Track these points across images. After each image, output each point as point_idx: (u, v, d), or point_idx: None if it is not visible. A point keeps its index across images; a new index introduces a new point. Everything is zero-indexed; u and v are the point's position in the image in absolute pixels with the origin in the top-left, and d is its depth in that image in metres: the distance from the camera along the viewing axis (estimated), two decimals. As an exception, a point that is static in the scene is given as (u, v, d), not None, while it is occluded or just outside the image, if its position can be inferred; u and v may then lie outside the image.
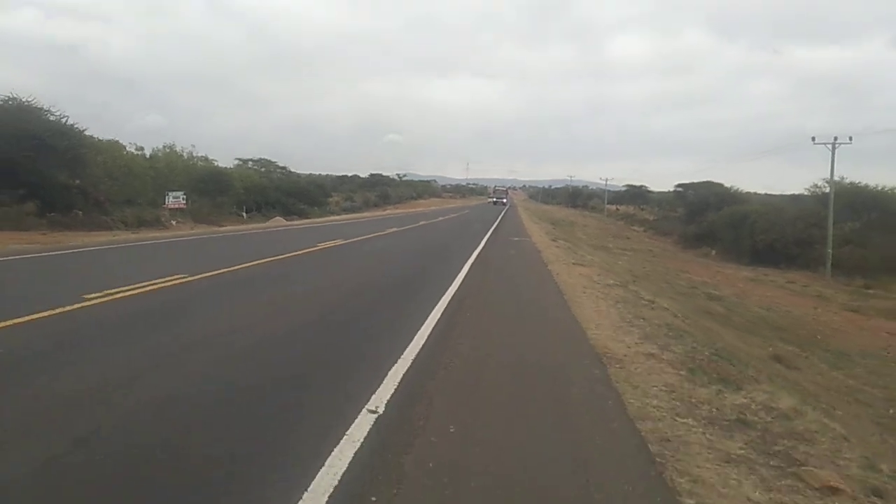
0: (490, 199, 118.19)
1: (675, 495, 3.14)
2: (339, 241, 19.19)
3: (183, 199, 34.04)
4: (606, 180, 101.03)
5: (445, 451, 3.61)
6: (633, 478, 3.38)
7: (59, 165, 27.30)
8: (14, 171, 25.13)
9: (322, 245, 17.73)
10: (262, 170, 61.29)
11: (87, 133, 29.87)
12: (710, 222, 51.29)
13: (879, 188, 44.17)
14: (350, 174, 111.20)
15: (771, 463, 3.47)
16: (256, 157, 65.65)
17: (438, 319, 7.54)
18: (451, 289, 10.02)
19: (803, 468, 3.35)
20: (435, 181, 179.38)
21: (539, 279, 12.05)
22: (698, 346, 6.52)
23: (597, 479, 3.37)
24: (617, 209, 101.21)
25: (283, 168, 66.26)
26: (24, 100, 27.57)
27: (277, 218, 44.13)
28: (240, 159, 62.83)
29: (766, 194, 74.71)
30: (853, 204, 43.26)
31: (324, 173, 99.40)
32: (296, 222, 40.53)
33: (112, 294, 8.02)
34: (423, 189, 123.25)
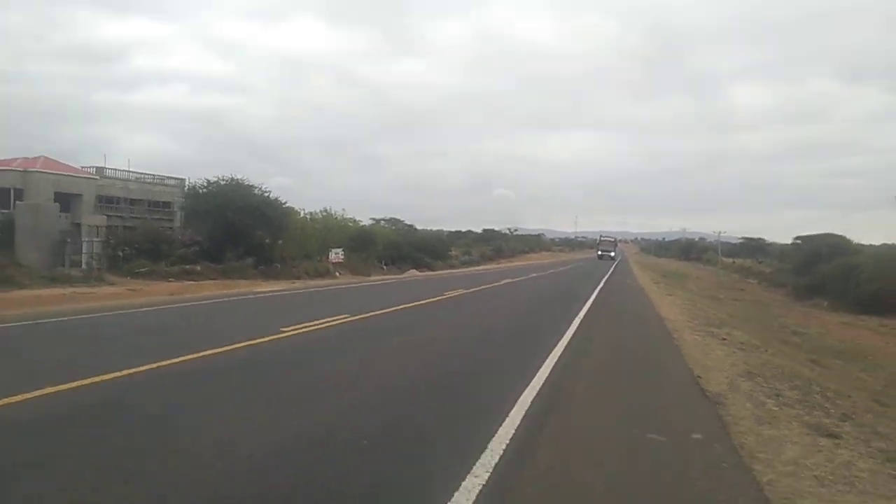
0: (597, 253, 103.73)
1: (673, 340, 10.42)
2: (509, 279, 32.96)
3: (342, 254, 43.02)
4: (720, 233, 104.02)
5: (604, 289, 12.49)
6: (662, 334, 10.72)
7: (267, 229, 37.24)
8: (239, 234, 35.01)
9: (505, 280, 31.18)
10: (393, 227, 71.60)
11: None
12: (822, 274, 54.40)
13: None
14: (464, 229, 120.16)
15: (712, 336, 10.54)
16: (388, 216, 76.35)
17: (596, 296, 20.36)
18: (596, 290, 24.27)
19: (722, 337, 10.32)
20: (543, 235, 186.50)
21: (640, 299, 19.68)
22: (716, 322, 13.49)
23: (649, 332, 10.80)
24: (733, 262, 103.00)
25: (411, 225, 76.60)
26: (239, 179, 37.96)
27: (412, 270, 52.73)
28: (374, 218, 73.64)
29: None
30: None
31: (437, 228, 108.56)
32: (431, 273, 49.06)
33: (446, 294, 19.06)
34: (534, 243, 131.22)
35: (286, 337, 9.93)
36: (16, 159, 35.10)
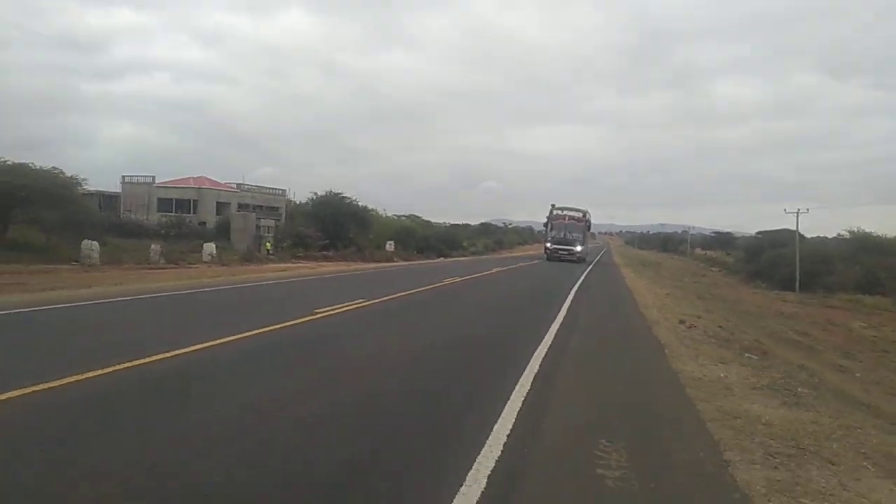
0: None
1: (627, 283, 29.59)
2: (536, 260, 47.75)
3: (393, 245, 61.41)
4: (691, 228, 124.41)
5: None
6: (623, 291, 29.80)
7: (359, 227, 55.72)
8: (342, 232, 53.43)
9: (523, 264, 46.12)
10: (415, 222, 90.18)
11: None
12: (762, 263, 74.50)
13: (880, 236, 67.23)
14: (456, 221, 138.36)
15: (657, 293, 29.73)
16: (407, 212, 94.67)
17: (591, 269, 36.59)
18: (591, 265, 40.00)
19: (665, 294, 29.36)
20: (531, 227, 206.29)
21: (617, 276, 39.03)
22: (663, 288, 32.64)
23: (615, 281, 30.11)
24: (705, 253, 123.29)
25: (427, 221, 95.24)
26: (337, 193, 56.22)
27: (441, 258, 71.03)
28: (395, 214, 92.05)
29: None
30: (862, 247, 66.24)
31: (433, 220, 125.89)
32: (458, 259, 67.54)
33: (502, 267, 35.85)
34: (527, 236, 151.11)
35: (445, 285, 28.83)
36: (188, 178, 53.26)
